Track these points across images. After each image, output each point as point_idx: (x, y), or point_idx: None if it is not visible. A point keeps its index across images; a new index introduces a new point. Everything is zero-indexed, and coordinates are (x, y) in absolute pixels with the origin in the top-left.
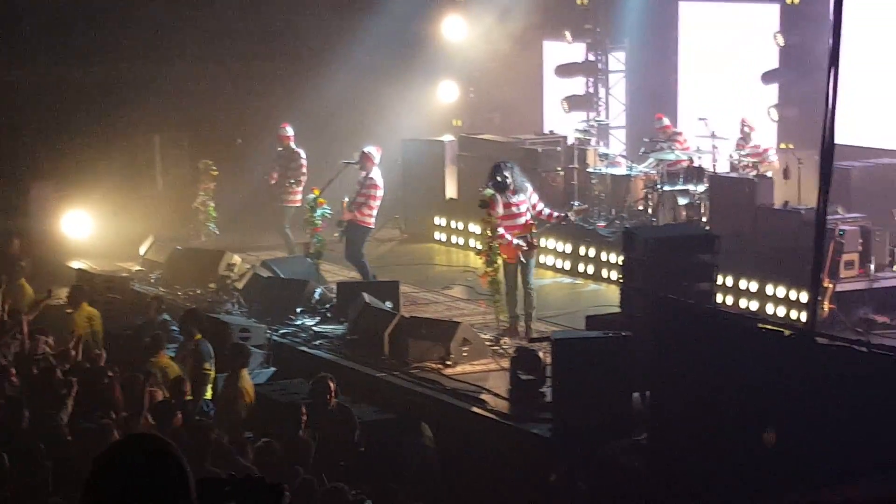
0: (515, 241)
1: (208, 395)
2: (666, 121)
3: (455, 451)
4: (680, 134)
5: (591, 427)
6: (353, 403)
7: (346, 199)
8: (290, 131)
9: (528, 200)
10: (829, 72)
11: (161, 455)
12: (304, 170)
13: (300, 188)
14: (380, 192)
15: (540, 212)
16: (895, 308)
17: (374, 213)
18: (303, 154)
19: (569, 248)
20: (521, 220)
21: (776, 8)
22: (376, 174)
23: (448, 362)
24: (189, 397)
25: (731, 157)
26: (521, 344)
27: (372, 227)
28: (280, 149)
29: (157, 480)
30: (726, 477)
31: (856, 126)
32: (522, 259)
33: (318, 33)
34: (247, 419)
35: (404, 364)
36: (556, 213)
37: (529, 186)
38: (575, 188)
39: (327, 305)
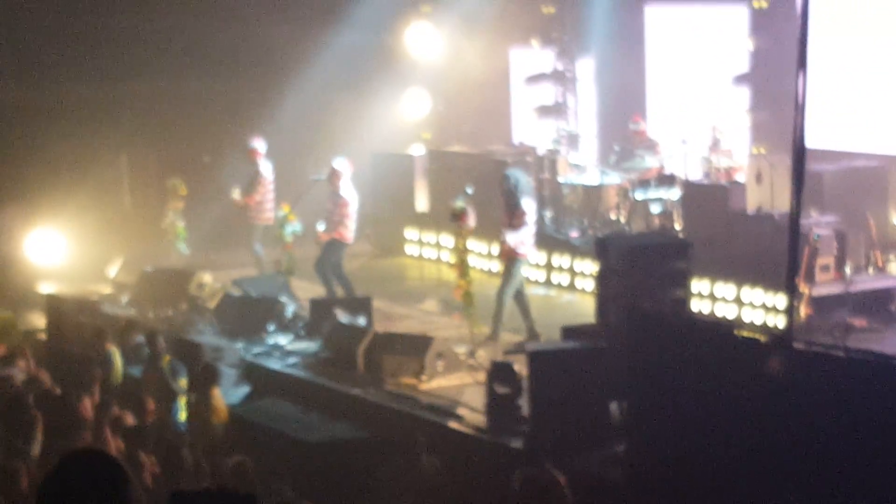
0: None
1: (182, 416)
2: (642, 125)
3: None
4: (657, 144)
5: (568, 439)
6: (328, 422)
7: (322, 228)
8: (258, 146)
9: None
10: (798, 75)
11: (106, 471)
12: (263, 188)
13: (268, 205)
14: (352, 208)
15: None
16: (872, 311)
17: (354, 226)
18: (263, 172)
19: (543, 259)
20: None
21: (745, 11)
22: (345, 190)
23: (423, 377)
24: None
25: (703, 163)
26: (497, 357)
27: (351, 241)
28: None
29: (101, 496)
30: (706, 487)
31: (829, 129)
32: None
33: (284, 48)
34: (223, 438)
35: (379, 380)
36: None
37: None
38: (546, 198)
39: (300, 323)
